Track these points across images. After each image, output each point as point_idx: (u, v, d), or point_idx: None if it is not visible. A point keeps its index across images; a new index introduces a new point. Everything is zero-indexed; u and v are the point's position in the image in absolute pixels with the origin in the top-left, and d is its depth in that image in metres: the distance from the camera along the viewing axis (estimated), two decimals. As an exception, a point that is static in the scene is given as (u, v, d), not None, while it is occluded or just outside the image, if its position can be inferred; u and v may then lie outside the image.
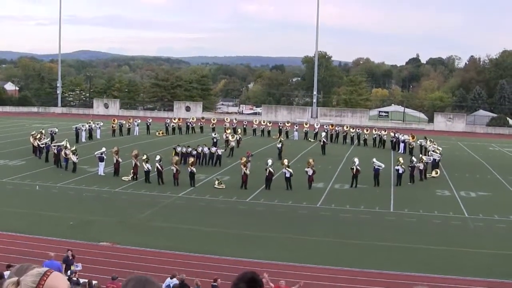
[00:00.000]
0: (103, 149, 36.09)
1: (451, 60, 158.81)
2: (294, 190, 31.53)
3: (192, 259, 19.77)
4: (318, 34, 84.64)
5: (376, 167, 34.04)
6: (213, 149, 39.93)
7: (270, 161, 33.02)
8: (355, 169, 33.42)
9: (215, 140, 46.24)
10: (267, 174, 32.10)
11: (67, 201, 28.25)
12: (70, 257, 17.31)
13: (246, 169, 32.34)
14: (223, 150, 40.73)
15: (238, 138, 49.25)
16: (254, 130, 59.81)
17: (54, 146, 38.66)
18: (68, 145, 37.81)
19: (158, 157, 33.68)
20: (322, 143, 47.87)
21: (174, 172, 32.07)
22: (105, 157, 35.24)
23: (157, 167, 32.60)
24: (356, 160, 34.28)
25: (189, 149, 39.22)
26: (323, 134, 50.14)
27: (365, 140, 54.07)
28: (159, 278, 15.58)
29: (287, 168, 32.41)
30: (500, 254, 21.30)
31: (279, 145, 43.50)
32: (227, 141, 46.30)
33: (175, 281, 15.65)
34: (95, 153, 36.32)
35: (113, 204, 27.93)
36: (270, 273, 18.18)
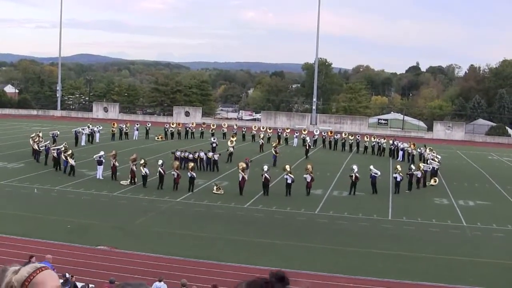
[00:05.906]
0: (101, 152, 36.07)
1: (451, 68, 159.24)
2: (292, 197, 31.48)
3: (190, 264, 19.73)
4: (318, 41, 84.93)
5: (372, 174, 34.00)
6: (210, 154, 39.89)
7: (266, 167, 32.99)
8: (354, 176, 33.35)
9: (214, 145, 46.27)
10: (263, 180, 32.08)
11: (66, 204, 28.21)
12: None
13: (245, 174, 32.27)
14: (219, 155, 40.61)
15: (261, 143, 51.58)
16: (253, 136, 59.79)
17: (54, 149, 38.63)
18: (67, 148, 37.84)
19: (160, 162, 33.64)
20: (307, 147, 48.51)
21: (175, 177, 32.03)
22: (103, 161, 35.21)
23: (159, 172, 32.56)
24: (355, 167, 34.17)
25: (187, 154, 39.24)
26: (308, 139, 51.81)
27: (365, 147, 54.07)
28: (150, 283, 15.59)
29: (289, 174, 32.32)
30: (497, 263, 21.28)
31: (274, 154, 43.59)
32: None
33: (163, 285, 15.64)
34: (94, 157, 36.31)
35: (111, 208, 27.88)
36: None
